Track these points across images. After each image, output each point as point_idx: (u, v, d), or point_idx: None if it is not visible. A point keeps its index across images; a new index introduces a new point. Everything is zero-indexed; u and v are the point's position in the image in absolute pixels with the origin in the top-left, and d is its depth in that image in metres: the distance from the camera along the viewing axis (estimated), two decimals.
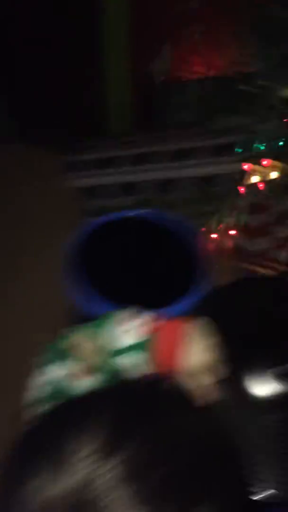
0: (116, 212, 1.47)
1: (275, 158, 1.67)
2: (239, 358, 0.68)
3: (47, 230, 1.57)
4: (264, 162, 1.72)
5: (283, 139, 1.63)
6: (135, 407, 0.41)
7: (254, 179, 1.63)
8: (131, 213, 1.39)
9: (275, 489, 0.74)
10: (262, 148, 1.63)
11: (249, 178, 1.63)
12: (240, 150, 1.59)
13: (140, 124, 1.80)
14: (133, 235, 1.38)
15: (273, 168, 1.67)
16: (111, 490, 0.34)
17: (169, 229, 1.35)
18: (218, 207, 1.51)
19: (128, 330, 0.62)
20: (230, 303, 0.96)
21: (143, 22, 1.70)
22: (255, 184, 1.63)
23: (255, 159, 1.64)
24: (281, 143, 1.63)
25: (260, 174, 1.65)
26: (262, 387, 0.79)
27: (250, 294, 0.95)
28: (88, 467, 0.35)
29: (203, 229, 1.47)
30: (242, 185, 1.57)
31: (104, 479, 0.35)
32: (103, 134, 1.75)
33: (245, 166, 1.64)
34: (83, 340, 0.63)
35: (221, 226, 1.51)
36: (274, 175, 1.67)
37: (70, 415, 0.42)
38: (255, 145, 1.61)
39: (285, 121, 1.42)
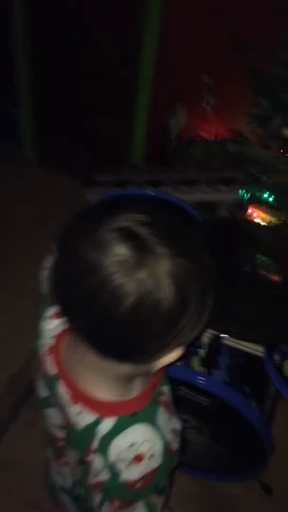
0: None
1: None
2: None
3: None
4: (249, 211, 2.01)
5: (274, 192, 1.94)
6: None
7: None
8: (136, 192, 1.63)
9: None
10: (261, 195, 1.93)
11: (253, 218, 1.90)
12: (246, 195, 1.89)
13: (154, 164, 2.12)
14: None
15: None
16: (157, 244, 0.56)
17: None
18: None
19: None
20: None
21: (166, 84, 2.08)
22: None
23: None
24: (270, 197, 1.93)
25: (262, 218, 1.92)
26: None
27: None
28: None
29: None
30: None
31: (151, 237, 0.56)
32: (123, 164, 2.06)
33: (250, 210, 1.93)
34: None
35: None
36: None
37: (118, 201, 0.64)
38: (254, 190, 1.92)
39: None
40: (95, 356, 0.63)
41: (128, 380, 0.70)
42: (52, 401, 0.78)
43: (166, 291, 0.56)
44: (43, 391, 0.81)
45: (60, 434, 0.82)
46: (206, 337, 1.29)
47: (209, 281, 0.62)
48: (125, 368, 0.64)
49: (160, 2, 1.81)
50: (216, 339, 1.27)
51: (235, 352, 1.27)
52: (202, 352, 1.27)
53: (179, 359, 0.68)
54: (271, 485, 1.45)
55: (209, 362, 1.24)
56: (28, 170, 2.32)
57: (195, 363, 1.25)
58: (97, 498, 0.71)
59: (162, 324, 0.58)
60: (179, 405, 1.27)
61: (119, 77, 2.03)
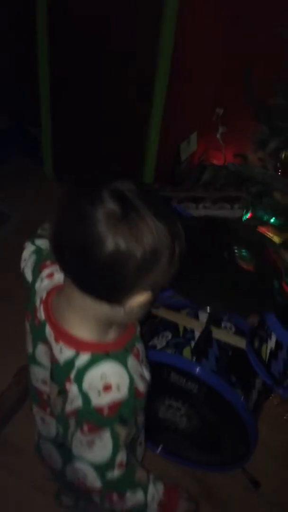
0: None
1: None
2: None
3: None
4: None
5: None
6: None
7: None
8: None
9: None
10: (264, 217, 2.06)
11: None
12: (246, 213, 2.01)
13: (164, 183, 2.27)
14: None
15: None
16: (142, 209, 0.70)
17: None
18: None
19: None
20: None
21: (180, 112, 2.25)
22: None
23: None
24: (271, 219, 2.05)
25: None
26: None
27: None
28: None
29: None
30: None
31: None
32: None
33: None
34: None
35: None
36: None
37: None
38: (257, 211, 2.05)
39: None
40: (79, 297, 0.76)
41: (105, 325, 0.82)
42: (38, 355, 0.91)
43: (143, 243, 0.69)
44: (30, 347, 0.94)
45: (44, 388, 0.94)
46: (198, 330, 1.39)
47: (180, 247, 0.75)
48: (103, 308, 0.77)
49: (172, 37, 1.99)
50: (207, 333, 1.37)
51: (224, 346, 1.37)
52: (193, 343, 1.37)
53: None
54: (258, 480, 1.50)
55: (198, 352, 1.33)
56: (46, 185, 2.51)
57: (186, 352, 1.34)
58: (71, 427, 0.82)
59: (134, 269, 0.70)
60: (171, 392, 1.37)
61: (134, 103, 2.21)
